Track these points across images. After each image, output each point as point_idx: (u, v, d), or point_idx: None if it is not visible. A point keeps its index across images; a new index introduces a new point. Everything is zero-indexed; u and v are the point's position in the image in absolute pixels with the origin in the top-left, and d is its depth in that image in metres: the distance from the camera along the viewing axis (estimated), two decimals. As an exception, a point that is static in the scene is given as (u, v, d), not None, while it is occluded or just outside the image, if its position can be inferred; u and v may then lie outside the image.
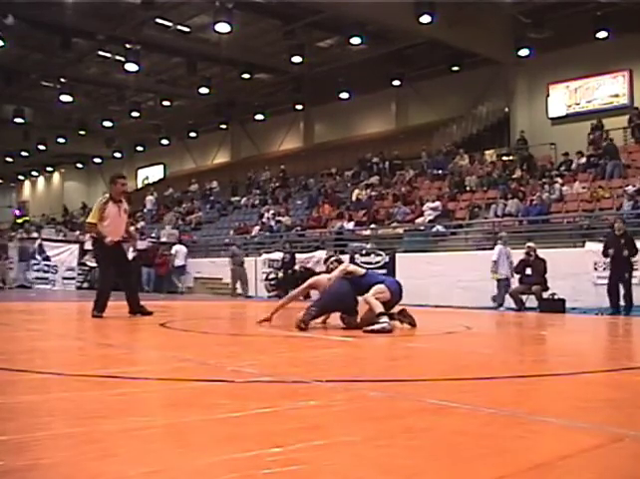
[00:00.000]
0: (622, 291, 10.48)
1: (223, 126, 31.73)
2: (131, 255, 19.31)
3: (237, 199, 26.84)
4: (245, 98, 29.63)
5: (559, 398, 2.91)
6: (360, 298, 6.28)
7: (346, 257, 16.50)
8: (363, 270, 6.69)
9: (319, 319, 6.65)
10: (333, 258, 6.87)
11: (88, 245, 21.61)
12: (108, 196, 7.45)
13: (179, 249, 19.32)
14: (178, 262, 19.10)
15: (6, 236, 22.72)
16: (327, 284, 6.27)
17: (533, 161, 19.43)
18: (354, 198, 20.88)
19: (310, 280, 6.51)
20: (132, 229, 7.78)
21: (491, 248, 14.23)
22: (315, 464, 1.72)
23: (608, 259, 10.85)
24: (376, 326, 5.85)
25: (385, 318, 5.94)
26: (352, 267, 6.64)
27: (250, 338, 5.43)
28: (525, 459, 1.81)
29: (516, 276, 11.78)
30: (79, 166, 41.64)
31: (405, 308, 6.47)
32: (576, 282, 11.95)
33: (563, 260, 12.10)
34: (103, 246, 7.25)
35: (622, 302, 10.48)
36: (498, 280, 11.99)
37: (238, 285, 17.34)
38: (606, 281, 11.01)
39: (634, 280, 10.94)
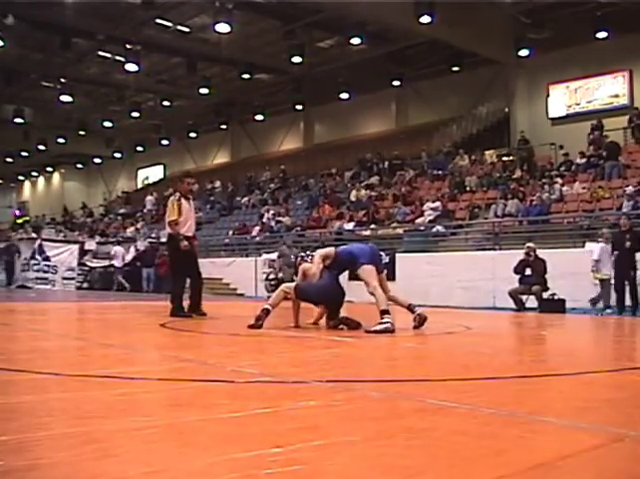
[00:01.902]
0: (628, 290, 10.45)
1: (223, 126, 31.72)
2: (130, 256, 19.41)
3: (237, 199, 26.83)
4: (245, 98, 29.62)
5: (559, 398, 2.91)
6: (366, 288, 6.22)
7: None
8: (332, 249, 6.54)
9: (311, 320, 6.63)
10: (300, 259, 6.86)
11: (88, 246, 21.71)
12: (178, 193, 7.65)
13: (118, 250, 19.41)
14: (119, 263, 19.16)
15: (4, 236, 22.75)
16: (316, 272, 6.21)
17: (533, 161, 19.44)
18: (353, 197, 20.89)
19: (301, 269, 6.51)
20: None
21: (492, 249, 14.27)
22: (315, 464, 1.72)
23: (613, 258, 10.83)
24: (379, 327, 5.77)
25: (387, 317, 5.82)
26: (324, 252, 6.46)
27: (250, 338, 5.43)
28: (525, 459, 1.81)
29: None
30: (79, 166, 41.63)
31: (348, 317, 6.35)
32: (576, 282, 11.94)
33: (563, 260, 12.09)
34: (179, 245, 7.40)
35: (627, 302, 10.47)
36: (602, 281, 11.15)
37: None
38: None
39: (638, 279, 10.92)
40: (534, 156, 19.84)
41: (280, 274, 16.19)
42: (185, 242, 7.36)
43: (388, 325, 5.77)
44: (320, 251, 6.55)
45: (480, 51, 21.63)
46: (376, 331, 5.73)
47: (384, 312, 5.87)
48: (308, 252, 6.95)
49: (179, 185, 7.88)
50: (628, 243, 10.33)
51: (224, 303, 13.14)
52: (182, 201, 7.55)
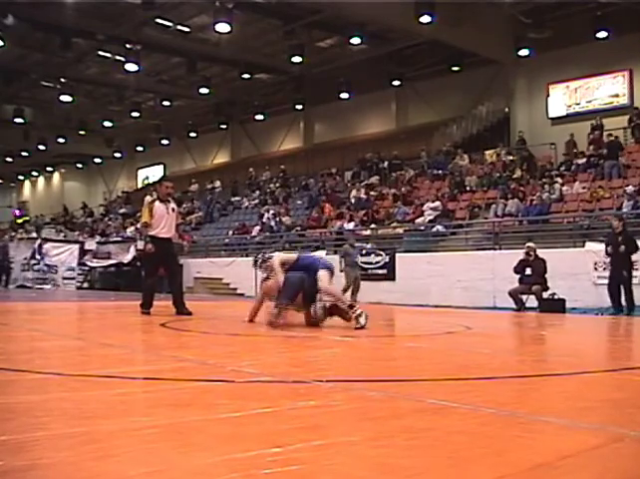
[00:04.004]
0: (623, 291, 10.45)
1: (223, 126, 31.71)
2: (130, 256, 19.40)
3: (237, 199, 26.84)
4: (245, 98, 29.63)
5: (559, 398, 2.91)
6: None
7: (337, 258, 16.47)
8: (294, 255, 6.70)
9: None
10: (260, 261, 6.81)
11: (88, 245, 21.72)
12: (155, 195, 8.12)
13: (47, 248, 20.19)
14: (48, 261, 19.89)
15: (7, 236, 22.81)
16: (279, 283, 6.27)
17: (533, 160, 19.43)
18: (352, 197, 20.89)
19: (263, 289, 6.62)
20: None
21: (492, 249, 14.26)
22: (315, 464, 1.72)
23: (608, 259, 10.83)
24: (362, 320, 5.94)
25: (357, 307, 6.10)
26: (284, 257, 6.57)
27: (250, 338, 5.43)
28: (525, 459, 1.81)
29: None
30: (79, 166, 41.62)
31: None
32: (576, 282, 11.95)
33: (563, 260, 12.10)
34: (153, 245, 7.75)
35: (624, 303, 10.45)
36: None
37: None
38: (606, 281, 11.00)
39: (634, 280, 10.92)
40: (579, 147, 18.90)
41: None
42: (150, 246, 7.73)
43: (364, 313, 5.99)
44: (281, 257, 6.61)
45: (480, 51, 21.63)
46: (363, 326, 5.90)
47: (351, 307, 6.14)
48: (268, 254, 6.95)
49: (158, 188, 8.41)
50: (622, 247, 10.31)
51: (224, 303, 13.14)
52: (157, 203, 7.91)
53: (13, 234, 25.46)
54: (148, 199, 8.05)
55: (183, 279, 20.24)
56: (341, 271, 14.47)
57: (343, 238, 18.12)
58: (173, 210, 8.06)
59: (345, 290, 13.97)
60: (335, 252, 17.51)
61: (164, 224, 7.86)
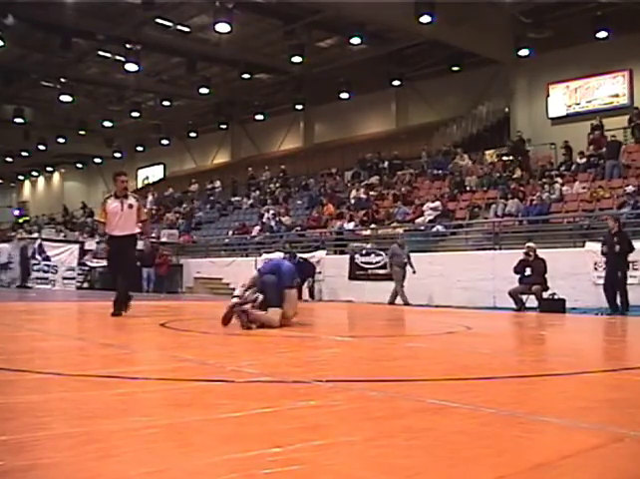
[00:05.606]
0: (618, 292, 10.44)
1: (223, 126, 31.73)
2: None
3: (238, 199, 26.84)
4: (245, 98, 29.64)
5: (559, 398, 2.91)
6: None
7: (344, 258, 16.54)
8: (255, 273, 6.70)
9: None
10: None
11: (88, 245, 21.70)
12: (112, 193, 7.84)
13: (2, 247, 20.59)
14: (2, 260, 20.30)
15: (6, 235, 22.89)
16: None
17: (530, 160, 19.41)
18: (352, 197, 20.88)
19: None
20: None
21: (492, 249, 14.25)
22: (315, 464, 1.72)
23: (604, 259, 10.84)
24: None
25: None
26: (248, 282, 6.57)
27: (250, 338, 5.43)
28: (525, 459, 1.81)
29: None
30: (79, 166, 41.63)
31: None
32: (576, 282, 11.94)
33: (563, 260, 12.09)
34: (107, 244, 7.69)
35: (619, 303, 10.44)
36: None
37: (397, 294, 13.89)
38: (605, 281, 11.00)
39: (634, 280, 10.91)
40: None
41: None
42: (103, 244, 7.62)
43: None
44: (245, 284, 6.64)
45: (480, 51, 21.63)
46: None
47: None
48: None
49: (114, 183, 7.93)
50: (617, 247, 10.32)
51: (224, 303, 13.13)
52: (110, 201, 7.60)
53: (13, 233, 25.43)
54: (105, 196, 7.93)
55: (184, 279, 20.39)
56: (389, 271, 14.25)
57: (342, 237, 18.15)
58: (131, 206, 7.59)
59: (396, 293, 13.76)
60: (335, 252, 17.53)
61: (117, 221, 7.51)
